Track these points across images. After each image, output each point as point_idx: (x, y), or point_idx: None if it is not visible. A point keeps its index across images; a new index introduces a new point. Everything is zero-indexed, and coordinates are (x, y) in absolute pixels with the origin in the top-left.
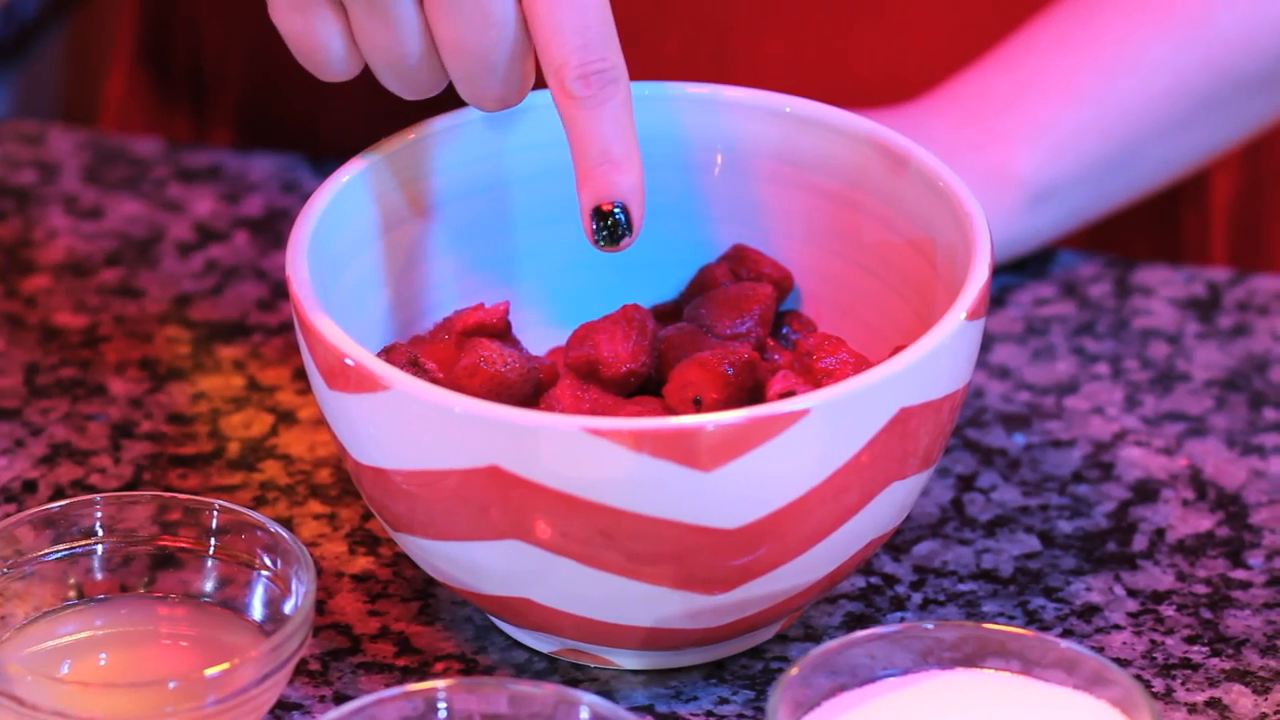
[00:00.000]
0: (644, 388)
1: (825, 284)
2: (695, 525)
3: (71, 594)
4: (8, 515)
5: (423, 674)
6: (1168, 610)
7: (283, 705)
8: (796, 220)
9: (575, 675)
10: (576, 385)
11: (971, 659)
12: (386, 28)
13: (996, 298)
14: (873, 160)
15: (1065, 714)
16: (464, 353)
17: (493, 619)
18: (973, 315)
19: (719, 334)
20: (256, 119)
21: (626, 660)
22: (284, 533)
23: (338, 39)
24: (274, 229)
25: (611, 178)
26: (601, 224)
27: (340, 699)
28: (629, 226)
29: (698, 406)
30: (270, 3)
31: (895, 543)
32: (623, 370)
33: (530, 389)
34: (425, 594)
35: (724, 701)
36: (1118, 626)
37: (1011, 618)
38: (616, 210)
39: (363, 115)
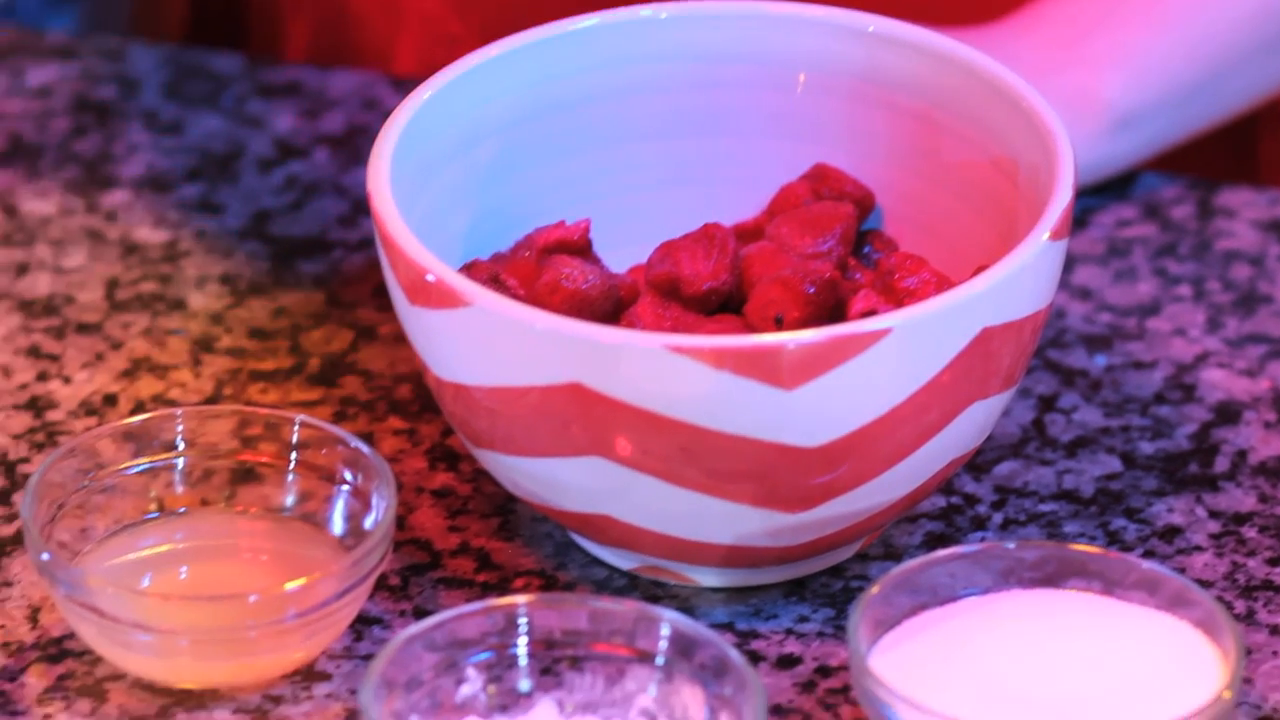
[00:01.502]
0: (724, 306)
1: (907, 203)
2: (776, 443)
3: (152, 507)
4: (89, 429)
5: (502, 589)
6: (1249, 532)
7: (363, 619)
8: (878, 139)
9: (655, 592)
10: (657, 303)
11: (1053, 579)
12: None
13: (1078, 219)
14: (956, 80)
15: (1146, 634)
16: (545, 270)
17: (572, 535)
18: (1056, 235)
19: (800, 253)
20: (329, 44)
21: (706, 578)
22: (364, 448)
23: None
24: (354, 145)
25: None
26: None
27: (420, 614)
28: None
29: (779, 325)
30: None
31: (976, 463)
32: (704, 288)
33: (611, 306)
34: (505, 510)
35: (804, 620)
36: (1199, 548)
37: (1093, 538)
38: None
39: (436, 40)
